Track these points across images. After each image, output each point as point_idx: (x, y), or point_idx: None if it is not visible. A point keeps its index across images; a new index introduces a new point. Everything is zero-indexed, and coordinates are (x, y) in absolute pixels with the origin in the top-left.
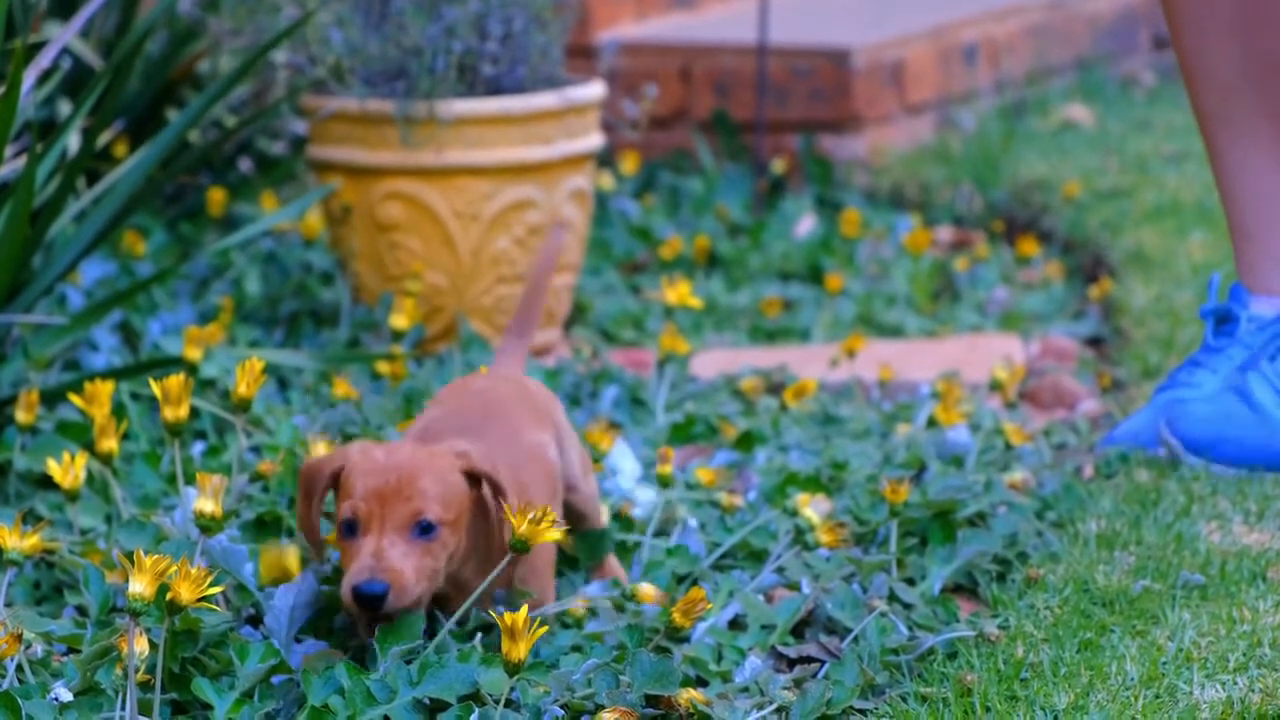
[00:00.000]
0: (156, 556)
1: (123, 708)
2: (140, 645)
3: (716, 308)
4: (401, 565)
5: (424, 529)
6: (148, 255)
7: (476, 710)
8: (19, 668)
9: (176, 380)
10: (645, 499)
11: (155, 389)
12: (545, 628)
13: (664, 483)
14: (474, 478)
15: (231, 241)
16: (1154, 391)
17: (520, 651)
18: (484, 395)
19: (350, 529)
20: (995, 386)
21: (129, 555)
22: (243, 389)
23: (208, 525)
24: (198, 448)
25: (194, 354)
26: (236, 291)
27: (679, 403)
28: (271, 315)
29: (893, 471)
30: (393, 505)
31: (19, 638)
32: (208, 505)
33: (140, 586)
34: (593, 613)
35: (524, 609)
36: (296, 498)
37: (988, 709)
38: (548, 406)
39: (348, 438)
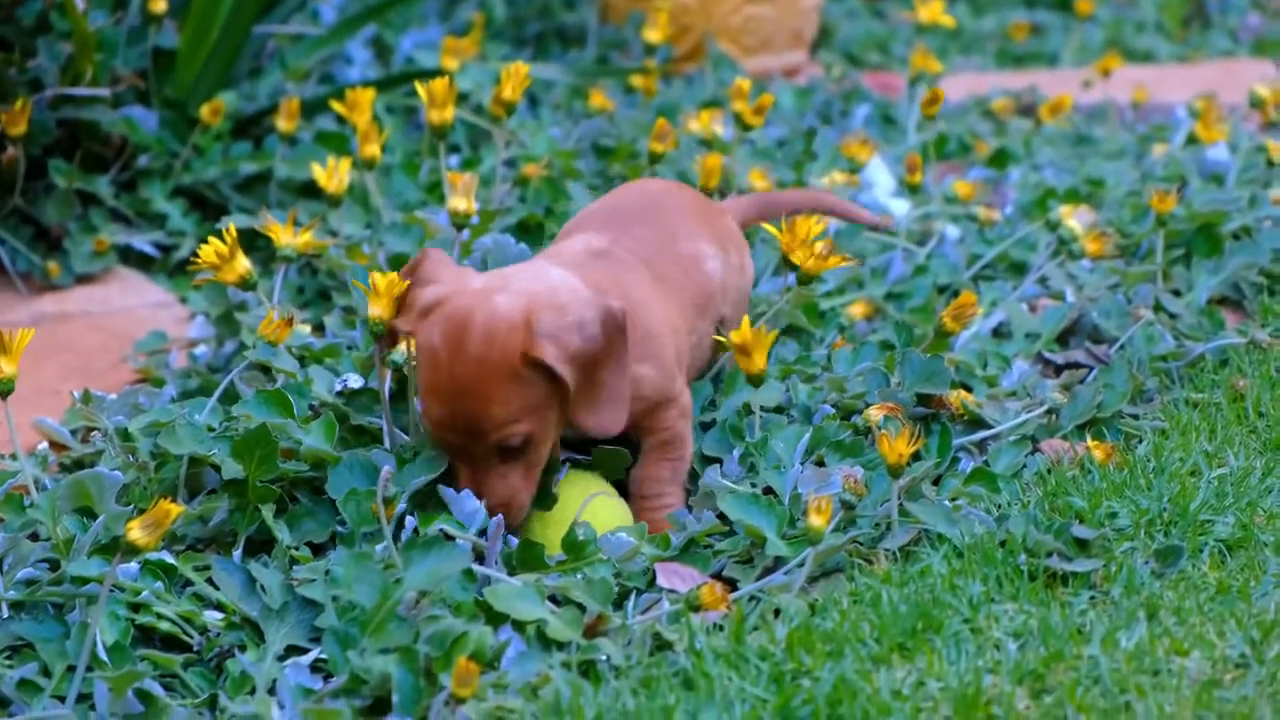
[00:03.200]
0: (392, 279)
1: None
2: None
3: (961, 33)
4: (510, 498)
5: (513, 452)
6: None
7: (737, 408)
8: (302, 358)
9: (441, 83)
10: (901, 211)
11: (421, 92)
12: (776, 331)
13: (913, 190)
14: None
15: None
16: None
17: (758, 363)
18: (652, 196)
19: None
20: (1255, 104)
21: (393, 259)
22: (507, 92)
23: (461, 223)
24: (453, 160)
25: (450, 64)
26: (483, 11)
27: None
28: (518, 36)
29: (1155, 185)
30: (473, 441)
31: (290, 322)
32: (461, 203)
33: (378, 310)
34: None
35: (745, 320)
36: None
37: (1261, 414)
38: (730, 230)
39: (601, 151)
